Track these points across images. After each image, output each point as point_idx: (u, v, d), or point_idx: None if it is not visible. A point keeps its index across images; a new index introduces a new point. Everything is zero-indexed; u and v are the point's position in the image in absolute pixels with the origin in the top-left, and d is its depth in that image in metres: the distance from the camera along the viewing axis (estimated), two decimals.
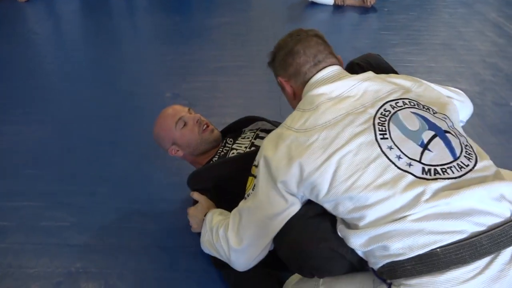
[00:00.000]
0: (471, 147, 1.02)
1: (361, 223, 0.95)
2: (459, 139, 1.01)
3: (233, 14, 3.74)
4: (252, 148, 1.48)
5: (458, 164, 0.95)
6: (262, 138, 1.53)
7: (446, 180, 0.92)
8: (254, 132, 1.58)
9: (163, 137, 1.57)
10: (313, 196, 1.04)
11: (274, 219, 1.09)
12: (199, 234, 1.35)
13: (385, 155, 0.96)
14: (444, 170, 0.94)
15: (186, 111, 1.57)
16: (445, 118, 1.06)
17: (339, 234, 1.03)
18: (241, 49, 3.08)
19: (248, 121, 1.66)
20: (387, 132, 0.99)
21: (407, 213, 0.90)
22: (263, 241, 1.12)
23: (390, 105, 1.05)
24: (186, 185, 1.54)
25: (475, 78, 2.61)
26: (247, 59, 2.91)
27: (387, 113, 1.03)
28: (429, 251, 0.87)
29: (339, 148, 0.98)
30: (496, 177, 0.96)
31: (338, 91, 1.09)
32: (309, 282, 1.17)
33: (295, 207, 1.08)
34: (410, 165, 0.94)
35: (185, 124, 1.53)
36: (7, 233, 1.54)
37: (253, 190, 1.12)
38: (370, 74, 1.15)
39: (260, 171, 1.09)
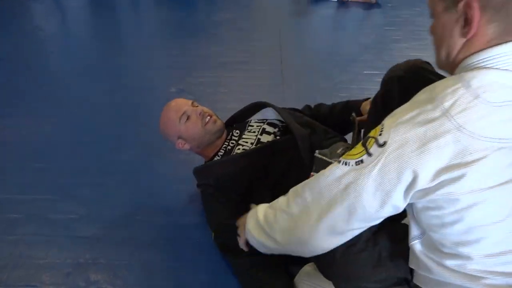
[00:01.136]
0: None
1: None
2: None
3: (238, 10, 3.76)
4: (258, 145, 1.50)
5: None
6: (268, 133, 1.56)
7: None
8: (261, 126, 1.60)
9: (168, 132, 1.60)
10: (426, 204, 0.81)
11: (367, 208, 0.85)
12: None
13: None
14: None
15: (189, 105, 1.59)
16: None
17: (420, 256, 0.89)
18: (245, 44, 3.10)
19: (254, 108, 1.66)
20: None
21: None
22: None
23: None
24: (192, 178, 1.57)
25: None
26: (251, 54, 2.93)
27: None
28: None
29: (497, 183, 0.75)
30: None
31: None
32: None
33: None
34: None
35: (188, 118, 1.56)
36: (18, 225, 1.58)
37: (356, 164, 0.83)
38: None
39: (386, 157, 0.78)
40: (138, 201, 1.68)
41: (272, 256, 1.18)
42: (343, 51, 3.03)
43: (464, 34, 0.79)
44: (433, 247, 0.87)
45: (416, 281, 0.97)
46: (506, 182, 0.76)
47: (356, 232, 0.92)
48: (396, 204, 0.82)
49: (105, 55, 3.02)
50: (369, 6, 3.76)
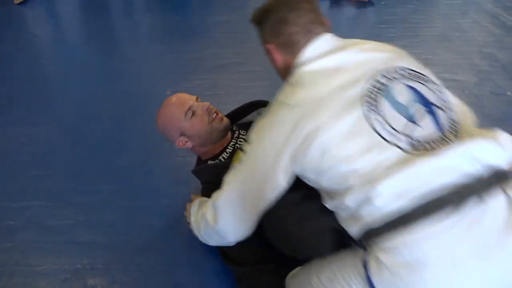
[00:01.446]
0: (459, 123, 1.03)
1: (345, 190, 0.97)
2: (447, 113, 1.03)
3: (231, 12, 3.76)
4: None
5: (443, 139, 0.97)
6: None
7: (430, 155, 0.93)
8: None
9: (170, 128, 1.49)
10: (300, 165, 1.04)
11: (257, 193, 1.11)
12: None
13: (373, 127, 0.97)
14: (430, 144, 0.96)
15: (194, 99, 1.50)
16: (437, 89, 1.06)
17: (326, 205, 1.06)
18: (240, 46, 3.10)
19: (252, 106, 1.63)
20: (376, 105, 0.99)
21: (388, 180, 0.92)
22: (249, 213, 1.15)
23: (384, 75, 1.04)
24: (189, 181, 1.57)
25: (473, 69, 2.63)
26: (246, 56, 2.93)
27: (379, 84, 1.03)
28: (399, 207, 0.90)
29: (332, 120, 0.98)
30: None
31: (330, 63, 1.08)
32: (303, 273, 1.18)
33: (281, 184, 1.08)
34: (399, 139, 0.96)
35: (193, 114, 1.45)
36: (15, 232, 1.58)
37: (239, 164, 1.13)
38: (362, 44, 1.15)
39: (254, 144, 1.09)
40: (136, 206, 1.68)
41: (275, 262, 1.22)
42: (326, 19, 3.01)
43: (278, 63, 1.23)
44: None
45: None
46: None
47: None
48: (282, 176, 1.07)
49: (99, 60, 3.02)
50: (362, 5, 3.75)
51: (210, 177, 1.46)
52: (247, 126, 1.59)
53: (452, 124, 1.02)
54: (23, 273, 1.42)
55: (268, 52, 1.24)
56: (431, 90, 1.05)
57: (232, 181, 1.15)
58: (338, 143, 0.98)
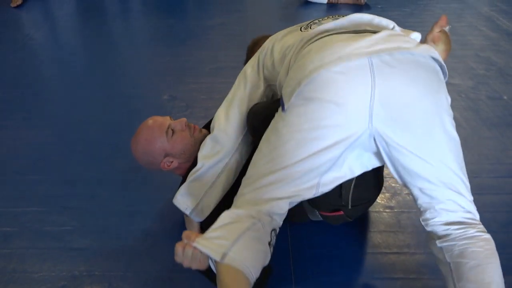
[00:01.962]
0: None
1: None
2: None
3: (228, 15, 3.76)
4: None
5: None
6: None
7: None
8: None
9: (152, 152, 1.47)
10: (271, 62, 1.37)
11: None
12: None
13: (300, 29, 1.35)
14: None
15: (168, 119, 1.51)
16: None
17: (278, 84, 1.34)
18: (237, 49, 3.08)
19: None
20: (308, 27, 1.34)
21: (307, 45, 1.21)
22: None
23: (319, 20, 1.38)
24: None
25: (469, 73, 2.64)
26: (242, 59, 2.91)
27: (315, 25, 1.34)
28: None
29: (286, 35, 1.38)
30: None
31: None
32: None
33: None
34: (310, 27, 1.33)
35: (173, 132, 1.48)
36: (11, 238, 1.57)
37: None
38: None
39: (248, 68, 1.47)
40: (132, 211, 1.68)
41: None
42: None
43: None
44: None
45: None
46: None
47: None
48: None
49: (96, 64, 3.01)
50: (358, 8, 3.77)
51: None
52: None
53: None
54: (19, 280, 1.41)
55: None
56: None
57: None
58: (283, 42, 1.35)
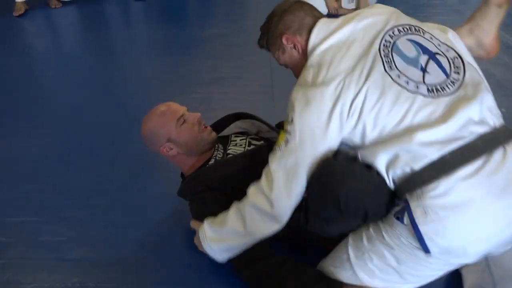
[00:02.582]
0: (460, 57, 1.21)
1: (382, 142, 1.12)
2: (446, 56, 1.20)
3: (229, 25, 3.78)
4: (253, 147, 1.52)
5: (451, 81, 1.15)
6: (256, 145, 1.56)
7: (446, 96, 1.12)
8: (245, 139, 1.59)
9: (158, 133, 1.49)
10: (347, 132, 1.17)
11: (308, 166, 1.18)
12: None
13: (397, 82, 1.13)
14: (442, 87, 1.14)
15: (185, 109, 1.54)
16: (431, 37, 1.23)
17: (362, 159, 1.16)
18: (237, 59, 3.11)
19: (231, 119, 1.67)
20: (393, 63, 1.16)
21: (423, 128, 1.08)
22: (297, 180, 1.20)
23: (389, 35, 1.21)
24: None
25: None
26: (242, 69, 2.94)
27: (388, 43, 1.19)
28: (440, 156, 1.06)
29: (363, 85, 1.14)
30: (481, 87, 1.16)
31: (343, 38, 1.22)
32: (340, 250, 1.26)
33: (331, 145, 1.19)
34: (417, 87, 1.13)
35: (184, 121, 1.50)
36: (6, 248, 1.56)
37: (285, 145, 1.19)
38: (359, 12, 1.28)
39: (299, 126, 1.17)
40: (128, 221, 1.67)
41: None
42: None
43: (298, 52, 1.33)
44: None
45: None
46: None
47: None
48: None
49: (96, 73, 3.02)
50: None
51: (199, 186, 1.47)
52: (225, 140, 1.62)
53: (453, 63, 1.19)
54: None
55: (285, 52, 1.34)
56: (427, 40, 1.22)
57: (285, 163, 1.19)
58: (374, 106, 1.12)
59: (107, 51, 3.38)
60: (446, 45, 1.23)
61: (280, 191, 1.19)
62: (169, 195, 1.76)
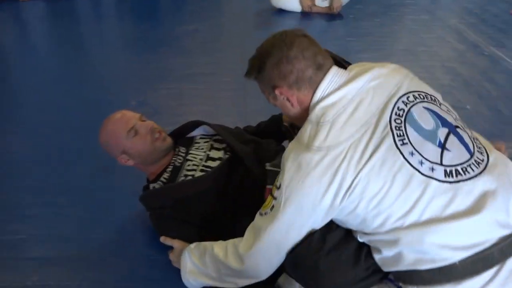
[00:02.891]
0: (477, 139, 1.07)
1: (389, 234, 0.98)
2: (467, 132, 1.05)
3: (201, 22, 3.76)
4: (209, 162, 1.46)
5: (475, 161, 0.99)
6: (217, 149, 1.53)
7: (468, 180, 0.96)
8: (208, 142, 1.56)
9: (112, 145, 1.47)
10: (341, 214, 1.03)
11: (291, 240, 1.08)
12: None
13: (408, 162, 0.97)
14: (464, 169, 0.97)
15: (137, 118, 1.48)
16: (448, 110, 1.09)
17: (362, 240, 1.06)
18: (209, 56, 3.09)
19: (193, 126, 1.63)
20: (405, 136, 0.99)
21: (435, 224, 0.95)
22: (277, 256, 1.12)
23: (402, 101, 1.03)
24: None
25: (435, 83, 2.67)
26: (214, 66, 2.92)
27: (401, 112, 1.02)
28: (449, 264, 0.94)
29: (366, 163, 0.97)
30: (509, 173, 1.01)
31: (349, 96, 1.04)
32: None
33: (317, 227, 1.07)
34: (432, 169, 0.96)
35: (136, 133, 1.45)
36: None
37: (270, 210, 1.07)
38: (372, 71, 1.08)
39: (289, 193, 1.02)
40: (91, 219, 1.63)
41: None
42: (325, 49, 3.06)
43: (293, 105, 1.13)
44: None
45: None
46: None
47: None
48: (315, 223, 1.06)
49: (65, 68, 2.96)
50: (331, 17, 3.82)
51: (154, 203, 1.46)
52: (188, 142, 1.58)
53: (474, 141, 1.04)
54: None
55: (276, 99, 1.14)
56: (444, 111, 1.07)
57: (265, 230, 1.07)
58: (380, 190, 0.96)
59: (77, 47, 3.30)
60: (460, 119, 1.09)
61: (256, 258, 1.10)
62: (133, 192, 1.73)
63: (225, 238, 1.23)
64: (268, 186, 1.32)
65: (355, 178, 0.96)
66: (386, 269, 1.05)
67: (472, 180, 0.96)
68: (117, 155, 1.49)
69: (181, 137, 1.63)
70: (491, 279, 0.93)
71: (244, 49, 3.31)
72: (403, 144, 0.98)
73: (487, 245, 0.94)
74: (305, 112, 1.10)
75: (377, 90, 1.05)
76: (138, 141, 1.45)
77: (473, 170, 0.97)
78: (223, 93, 2.55)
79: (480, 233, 0.95)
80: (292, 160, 1.03)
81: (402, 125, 1.00)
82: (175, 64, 2.95)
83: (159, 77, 2.77)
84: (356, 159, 0.97)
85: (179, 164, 1.49)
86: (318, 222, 1.05)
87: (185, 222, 1.40)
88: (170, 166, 1.50)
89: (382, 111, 1.01)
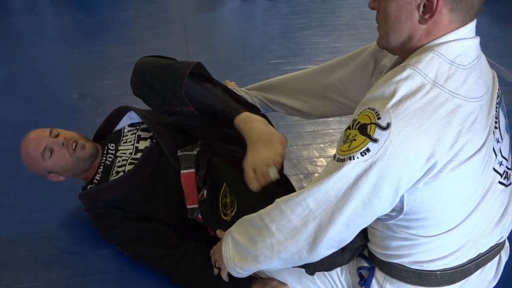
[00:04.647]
0: None
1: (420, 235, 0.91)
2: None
3: (143, 7, 3.65)
4: (138, 154, 1.43)
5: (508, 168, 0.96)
6: (144, 139, 1.49)
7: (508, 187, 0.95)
8: (135, 134, 1.51)
9: (36, 169, 1.46)
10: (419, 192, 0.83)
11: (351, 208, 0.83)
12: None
13: (496, 171, 0.89)
14: (507, 173, 0.94)
15: (48, 136, 1.43)
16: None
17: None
18: (152, 42, 3.03)
19: (119, 113, 1.58)
20: (500, 135, 0.90)
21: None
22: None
23: (497, 96, 0.91)
24: None
25: None
26: (158, 52, 2.75)
27: (497, 100, 0.89)
28: (430, 271, 0.95)
29: (483, 145, 0.83)
30: None
31: (474, 54, 0.84)
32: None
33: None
34: (507, 175, 0.93)
35: (52, 152, 1.41)
36: None
37: (363, 154, 0.78)
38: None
39: (381, 151, 0.77)
40: (38, 217, 1.59)
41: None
42: (249, 42, 3.06)
43: (424, 21, 0.81)
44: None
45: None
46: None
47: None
48: (408, 190, 0.81)
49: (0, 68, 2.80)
50: None
51: (87, 204, 1.44)
52: (116, 137, 1.52)
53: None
54: None
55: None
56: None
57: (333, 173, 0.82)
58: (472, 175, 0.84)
59: (8, 40, 3.12)
60: None
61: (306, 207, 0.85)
62: (79, 187, 1.70)
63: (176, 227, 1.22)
64: (182, 171, 1.33)
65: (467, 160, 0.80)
66: (380, 256, 1.01)
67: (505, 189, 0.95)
68: (47, 176, 1.48)
69: (110, 130, 1.58)
70: (461, 286, 0.98)
71: (186, 33, 3.30)
72: (498, 141, 0.89)
73: (468, 258, 0.95)
74: (411, 41, 0.84)
75: (487, 77, 0.89)
76: (57, 158, 1.42)
77: (508, 178, 0.95)
78: None
79: (472, 247, 0.95)
80: (404, 95, 0.77)
81: (498, 119, 0.89)
82: (118, 52, 2.87)
83: (101, 67, 2.68)
84: (482, 126, 0.81)
85: (109, 163, 1.47)
86: (390, 199, 0.82)
87: (124, 218, 1.39)
88: (101, 167, 1.48)
89: (493, 90, 0.88)
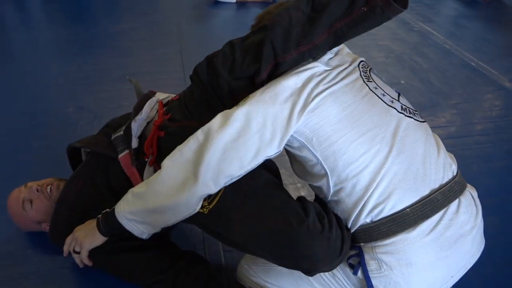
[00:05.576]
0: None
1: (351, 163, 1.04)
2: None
3: (137, 19, 3.67)
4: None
5: (418, 114, 1.16)
6: None
7: (416, 121, 1.11)
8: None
9: (27, 226, 1.49)
10: (307, 129, 1.05)
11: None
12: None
13: (373, 92, 1.10)
14: (412, 112, 1.13)
15: (23, 190, 1.46)
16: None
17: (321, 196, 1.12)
18: (147, 54, 3.03)
19: (103, 133, 1.56)
20: (371, 78, 1.14)
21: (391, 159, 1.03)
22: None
23: (362, 64, 1.19)
24: None
25: (370, 61, 2.73)
26: (153, 63, 2.87)
27: (365, 67, 1.18)
28: (399, 211, 1.01)
29: (336, 83, 1.08)
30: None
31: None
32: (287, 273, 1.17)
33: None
34: (392, 101, 1.11)
35: (30, 202, 1.43)
36: None
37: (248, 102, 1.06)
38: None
39: (261, 94, 1.06)
40: (35, 232, 1.56)
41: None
42: None
43: None
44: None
45: None
46: None
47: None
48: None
49: None
50: (267, 5, 3.84)
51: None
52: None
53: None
54: None
55: None
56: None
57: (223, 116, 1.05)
58: (348, 104, 1.07)
59: (4, 55, 3.12)
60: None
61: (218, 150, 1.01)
62: None
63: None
64: (119, 156, 1.32)
65: (322, 92, 1.05)
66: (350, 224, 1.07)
67: (418, 122, 1.11)
68: (39, 228, 1.48)
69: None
70: (439, 221, 1.02)
71: (182, 44, 3.30)
72: (369, 81, 1.12)
73: (429, 190, 1.03)
74: None
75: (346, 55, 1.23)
76: (38, 206, 1.44)
77: (418, 118, 1.13)
78: (163, 90, 2.49)
79: (429, 179, 1.05)
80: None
81: (368, 72, 1.16)
82: (112, 64, 2.87)
83: (96, 79, 2.68)
84: (329, 78, 1.09)
85: None
86: (276, 139, 1.03)
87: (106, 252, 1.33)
88: None
89: (353, 61, 1.17)
